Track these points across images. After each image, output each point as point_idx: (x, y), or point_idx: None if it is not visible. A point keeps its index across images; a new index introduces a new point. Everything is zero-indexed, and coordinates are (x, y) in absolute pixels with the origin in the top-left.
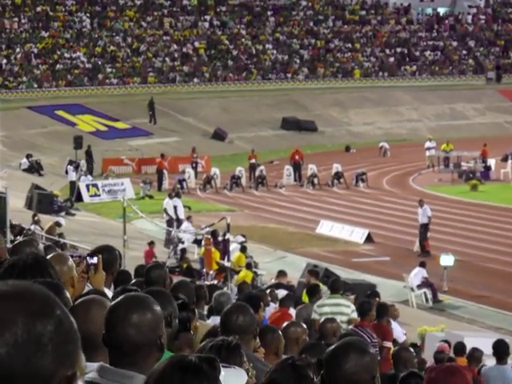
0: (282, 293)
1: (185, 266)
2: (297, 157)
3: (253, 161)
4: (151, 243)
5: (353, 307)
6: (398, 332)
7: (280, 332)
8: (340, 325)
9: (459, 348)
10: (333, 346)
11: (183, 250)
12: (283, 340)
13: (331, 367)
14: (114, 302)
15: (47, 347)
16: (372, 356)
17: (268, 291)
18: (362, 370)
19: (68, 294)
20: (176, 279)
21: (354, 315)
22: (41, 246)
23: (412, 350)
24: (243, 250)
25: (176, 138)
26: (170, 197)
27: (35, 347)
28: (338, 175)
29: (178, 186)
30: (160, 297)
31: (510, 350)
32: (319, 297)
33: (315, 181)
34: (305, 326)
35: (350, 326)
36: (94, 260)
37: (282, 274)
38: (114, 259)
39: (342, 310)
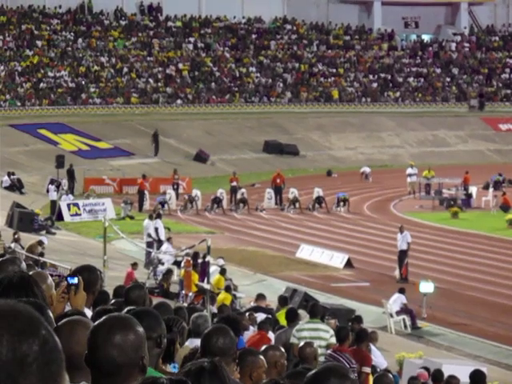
0: (260, 316)
1: (165, 285)
2: (278, 180)
3: (234, 183)
4: (134, 264)
5: (332, 332)
6: (379, 357)
7: (261, 356)
8: (318, 349)
9: (437, 375)
10: (314, 371)
11: (169, 271)
12: (264, 364)
13: None
14: (96, 322)
15: (32, 367)
16: (352, 381)
17: (247, 314)
18: None
19: (51, 314)
20: (155, 300)
21: (333, 340)
22: (24, 265)
23: (391, 376)
24: (223, 272)
25: (157, 159)
26: (151, 218)
27: (20, 367)
28: (319, 199)
29: (159, 206)
30: (150, 317)
31: (487, 379)
32: (297, 321)
33: (297, 205)
34: (283, 349)
35: (329, 351)
36: (75, 280)
37: (260, 297)
38: (95, 279)
39: (320, 334)
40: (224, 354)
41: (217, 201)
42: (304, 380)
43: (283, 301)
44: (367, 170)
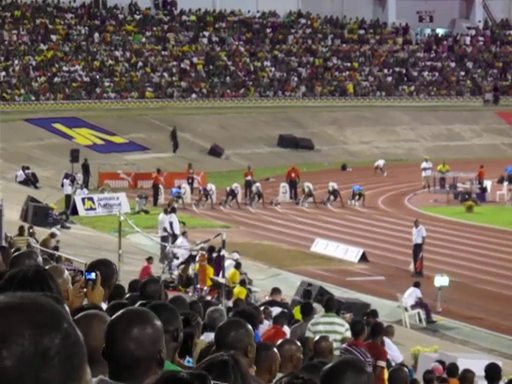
0: (275, 310)
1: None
2: (293, 174)
3: (249, 178)
4: (149, 258)
5: (347, 326)
6: (395, 351)
7: (275, 349)
8: (333, 343)
9: (452, 369)
10: (330, 364)
11: (188, 261)
12: (279, 358)
13: None
14: (114, 316)
15: (54, 360)
16: (369, 375)
17: (262, 308)
18: None
19: (67, 308)
20: (171, 294)
21: (348, 334)
22: (40, 259)
23: (407, 370)
24: (238, 266)
25: (172, 153)
26: (166, 212)
27: (42, 360)
28: (334, 194)
29: (175, 199)
30: (167, 311)
31: (502, 373)
32: (313, 315)
33: (311, 199)
34: (299, 343)
35: (344, 345)
36: (93, 276)
37: (276, 291)
38: (111, 273)
39: (335, 328)
40: (237, 348)
41: (232, 195)
42: (320, 374)
43: (306, 294)
44: (381, 163)
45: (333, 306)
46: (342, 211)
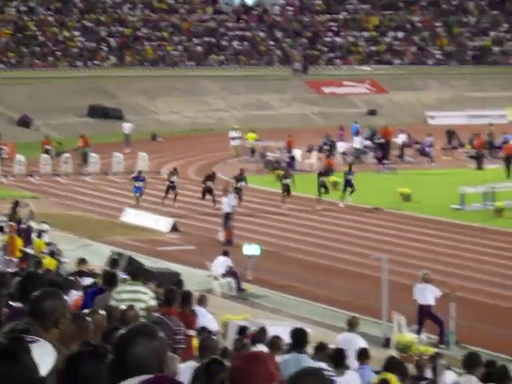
0: (86, 280)
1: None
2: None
3: (48, 147)
4: None
5: (151, 294)
6: (209, 321)
7: (89, 319)
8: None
9: (260, 335)
10: (122, 331)
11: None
12: (92, 328)
13: (120, 352)
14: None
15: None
16: (161, 341)
17: (71, 278)
18: (151, 355)
19: None
20: None
21: (152, 302)
22: None
23: (215, 338)
24: (40, 236)
25: None
26: None
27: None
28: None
29: None
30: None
31: (312, 340)
32: (117, 284)
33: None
34: (104, 312)
35: (157, 314)
36: None
37: (82, 261)
38: None
39: (139, 296)
40: (50, 318)
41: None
42: (113, 341)
43: (113, 263)
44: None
45: (139, 274)
46: (153, 181)
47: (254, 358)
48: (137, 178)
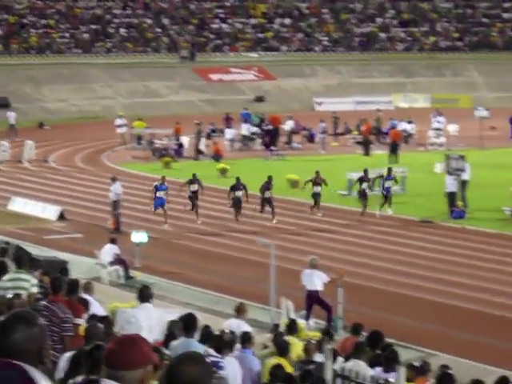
0: None
1: None
2: None
3: None
4: None
5: (33, 282)
6: (98, 308)
7: None
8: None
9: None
10: (1, 318)
11: None
12: None
13: None
14: None
15: None
16: (40, 327)
17: None
18: (30, 341)
19: None
20: None
21: (34, 290)
22: None
23: (101, 325)
24: None
25: None
26: None
27: None
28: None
29: None
30: None
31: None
32: (6, 273)
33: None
34: None
35: (44, 302)
36: None
37: None
38: None
39: (21, 284)
40: None
41: None
42: None
43: (1, 252)
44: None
45: (24, 262)
46: (39, 169)
47: (130, 340)
48: (160, 188)
